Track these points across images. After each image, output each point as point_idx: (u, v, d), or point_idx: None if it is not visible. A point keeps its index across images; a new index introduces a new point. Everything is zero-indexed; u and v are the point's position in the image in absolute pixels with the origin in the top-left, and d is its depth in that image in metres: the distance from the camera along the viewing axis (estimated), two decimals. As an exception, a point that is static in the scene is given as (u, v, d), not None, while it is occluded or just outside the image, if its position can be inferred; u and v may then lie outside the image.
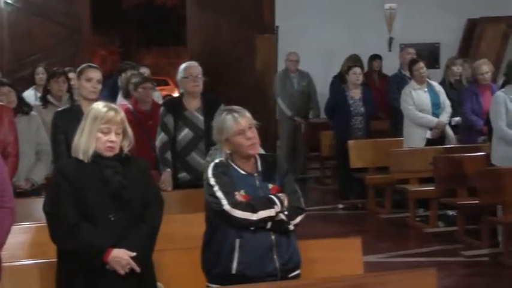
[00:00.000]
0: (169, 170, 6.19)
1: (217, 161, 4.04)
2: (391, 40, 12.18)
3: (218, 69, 10.80)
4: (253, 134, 3.96)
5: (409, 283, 3.97)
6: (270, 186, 3.99)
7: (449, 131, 8.81)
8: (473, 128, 8.44)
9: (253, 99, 10.53)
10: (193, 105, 6.24)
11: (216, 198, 3.88)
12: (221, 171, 3.94)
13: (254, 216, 3.85)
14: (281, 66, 11.10)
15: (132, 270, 3.83)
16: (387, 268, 5.61)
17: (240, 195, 3.90)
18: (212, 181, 3.92)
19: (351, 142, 9.16)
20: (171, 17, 27.58)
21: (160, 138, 6.22)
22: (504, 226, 6.96)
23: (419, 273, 4.06)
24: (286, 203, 3.93)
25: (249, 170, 3.99)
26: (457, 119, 8.92)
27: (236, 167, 3.98)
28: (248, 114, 4.01)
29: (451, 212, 8.26)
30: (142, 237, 3.90)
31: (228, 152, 4.00)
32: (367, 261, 5.41)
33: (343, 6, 11.88)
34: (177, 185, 6.19)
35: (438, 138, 8.70)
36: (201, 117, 6.16)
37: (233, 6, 11.43)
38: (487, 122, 7.49)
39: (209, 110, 6.02)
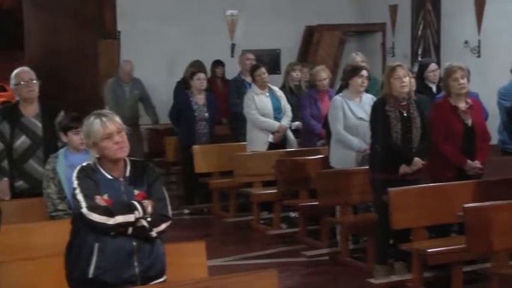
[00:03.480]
0: (6, 179, 6.01)
1: (84, 164, 3.99)
2: (233, 46, 12.33)
3: (58, 73, 10.53)
4: (121, 138, 3.93)
5: (252, 285, 4.04)
6: (136, 192, 3.96)
7: (290, 134, 9.04)
8: (313, 132, 8.70)
9: (96, 105, 10.35)
10: (30, 112, 6.07)
11: (77, 200, 3.86)
12: (86, 174, 3.90)
13: (111, 221, 3.81)
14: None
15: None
16: (232, 271, 5.67)
17: (101, 199, 3.85)
18: (75, 184, 3.89)
19: (195, 147, 9.21)
20: (8, 19, 26.52)
21: (-4, 146, 6.01)
22: (342, 226, 7.23)
23: (261, 275, 4.14)
24: (149, 209, 3.91)
25: (116, 175, 3.96)
26: (297, 123, 9.17)
27: (103, 171, 3.94)
28: (117, 119, 3.97)
29: (293, 214, 8.48)
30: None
31: (96, 155, 3.94)
32: (212, 265, 5.46)
33: (186, 12, 11.91)
34: (15, 194, 5.99)
35: (280, 142, 8.91)
36: (39, 124, 6.02)
37: (74, 10, 11.19)
38: (325, 125, 7.75)
39: (48, 116, 5.90)
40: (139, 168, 4.03)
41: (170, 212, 4.02)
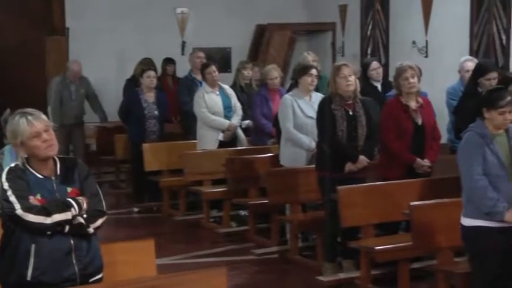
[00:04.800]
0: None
1: (12, 165, 3.91)
2: (183, 44, 12.31)
3: (4, 70, 10.36)
4: (49, 136, 3.87)
5: (201, 283, 4.04)
6: (69, 189, 3.92)
7: (240, 133, 9.05)
8: (263, 130, 8.72)
9: (44, 102, 10.24)
10: (-24, 109, 5.97)
11: (10, 203, 3.76)
12: (16, 175, 3.83)
13: (48, 220, 3.76)
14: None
15: None
16: (181, 269, 5.64)
17: (35, 199, 3.79)
18: (6, 185, 3.80)
19: (145, 145, 9.16)
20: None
21: None
22: (292, 224, 7.27)
23: (210, 273, 4.14)
24: (85, 206, 3.87)
25: (46, 174, 3.90)
26: (247, 121, 9.18)
27: (33, 171, 3.88)
28: (44, 117, 3.91)
29: (243, 212, 8.50)
30: None
31: (24, 155, 3.88)
32: (162, 264, 5.45)
33: (136, 9, 11.85)
34: None
35: (230, 140, 8.91)
36: (-15, 121, 5.92)
37: (20, 6, 11.02)
38: (276, 124, 7.78)
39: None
40: (69, 166, 3.99)
41: (105, 207, 3.99)
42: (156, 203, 9.48)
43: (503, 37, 9.51)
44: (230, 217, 8.47)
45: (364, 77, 8.27)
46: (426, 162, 6.49)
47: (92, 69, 10.60)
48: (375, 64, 8.49)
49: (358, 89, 6.61)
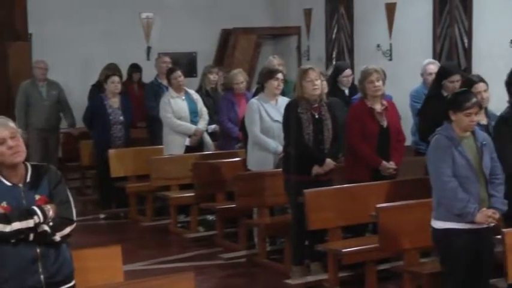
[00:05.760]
0: None
1: None
2: (149, 49, 12.27)
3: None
4: (15, 142, 3.83)
5: (168, 288, 4.04)
6: (37, 197, 3.87)
7: (207, 138, 9.05)
8: (230, 135, 8.73)
9: (7, 108, 10.12)
10: None
11: None
12: None
13: (8, 228, 3.72)
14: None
15: None
16: (148, 275, 5.64)
17: (0, 207, 3.75)
18: None
19: (111, 151, 9.12)
20: None
21: None
22: (259, 228, 7.28)
23: (177, 278, 4.14)
24: (51, 213, 3.82)
25: (15, 181, 3.86)
26: (214, 126, 9.19)
27: (1, 178, 3.84)
28: (11, 124, 3.87)
29: (210, 217, 8.49)
30: None
31: None
32: (129, 270, 5.43)
33: (100, 14, 11.77)
34: None
35: (197, 145, 8.90)
36: None
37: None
38: (243, 128, 7.79)
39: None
40: (40, 172, 3.94)
41: (74, 215, 3.95)
42: (123, 209, 9.43)
43: (465, 40, 9.63)
44: (198, 222, 8.46)
45: (334, 79, 8.32)
46: (391, 164, 6.55)
47: (56, 75, 10.49)
48: (348, 71, 8.53)
49: (325, 92, 6.64)
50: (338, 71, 8.53)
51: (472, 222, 4.79)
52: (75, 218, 3.94)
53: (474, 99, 4.89)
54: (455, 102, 4.92)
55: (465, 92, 5.14)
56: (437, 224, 4.92)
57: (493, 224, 4.86)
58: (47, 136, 10.25)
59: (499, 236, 4.84)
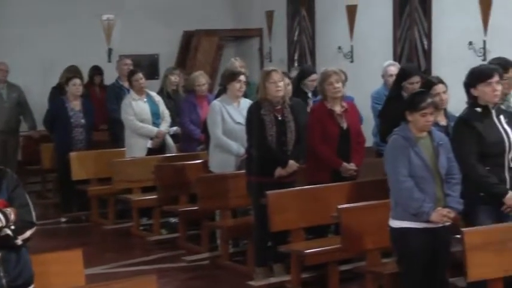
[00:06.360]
0: None
1: None
2: (110, 51, 12.18)
3: None
4: None
5: (130, 291, 4.02)
6: None
7: (169, 140, 9.02)
8: (192, 137, 8.72)
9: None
10: None
11: None
12: None
13: None
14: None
15: None
16: (111, 279, 5.60)
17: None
18: None
19: (72, 154, 9.05)
20: None
21: None
22: (222, 230, 7.28)
23: (139, 281, 4.12)
24: (12, 217, 3.80)
25: None
26: (175, 128, 9.17)
27: None
28: None
29: (173, 219, 8.47)
30: None
31: None
32: (91, 273, 5.39)
33: (60, 16, 11.65)
34: None
35: (159, 148, 8.87)
36: None
37: None
38: (205, 130, 7.78)
39: None
40: None
41: (35, 218, 3.92)
42: (85, 213, 9.36)
43: (425, 42, 9.73)
44: (160, 224, 8.43)
45: (298, 82, 8.35)
46: (352, 166, 6.60)
47: (16, 77, 10.39)
48: (315, 76, 8.55)
49: (289, 95, 6.67)
50: (304, 74, 8.55)
51: (428, 221, 4.85)
52: (35, 221, 3.92)
53: (429, 100, 4.96)
54: (411, 103, 4.99)
55: (421, 92, 5.22)
56: (395, 224, 4.98)
57: (448, 223, 4.93)
58: (6, 139, 10.15)
59: (458, 236, 4.90)
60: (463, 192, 5.02)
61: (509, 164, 5.25)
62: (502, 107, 5.61)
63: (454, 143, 5.16)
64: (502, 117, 5.32)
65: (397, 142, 4.95)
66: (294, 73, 9.10)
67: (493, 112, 5.30)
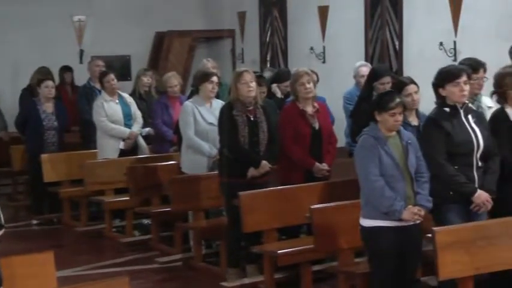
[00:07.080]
0: None
1: None
2: (82, 52, 12.12)
3: None
4: None
5: (103, 293, 4.00)
6: None
7: (141, 141, 8.99)
8: (165, 138, 8.69)
9: None
10: None
11: None
12: None
13: None
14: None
15: None
16: (83, 281, 5.59)
17: None
18: None
19: (44, 156, 8.98)
20: None
21: None
22: (195, 231, 7.27)
23: (112, 283, 4.10)
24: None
25: None
26: (148, 129, 9.13)
27: None
28: None
29: (146, 221, 8.43)
30: None
31: None
32: (63, 276, 5.37)
33: (31, 17, 11.57)
34: None
35: (131, 149, 8.84)
36: None
37: None
38: (177, 131, 7.77)
39: None
40: None
41: (3, 220, 3.89)
42: (56, 215, 9.30)
43: (396, 42, 9.80)
44: (133, 226, 8.40)
45: (271, 83, 8.36)
46: (324, 166, 6.62)
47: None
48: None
49: (263, 97, 6.68)
50: (279, 78, 8.54)
51: (399, 219, 4.89)
52: (3, 223, 3.88)
53: (398, 100, 5.00)
54: (380, 103, 5.03)
55: (389, 92, 5.26)
56: (365, 222, 5.02)
57: (419, 221, 4.97)
58: None
59: (429, 235, 4.94)
60: (431, 191, 5.07)
61: (477, 163, 5.30)
62: (472, 106, 5.66)
63: (423, 143, 5.21)
64: (470, 116, 5.37)
65: (367, 142, 4.99)
66: (267, 73, 9.12)
67: (462, 112, 5.35)
